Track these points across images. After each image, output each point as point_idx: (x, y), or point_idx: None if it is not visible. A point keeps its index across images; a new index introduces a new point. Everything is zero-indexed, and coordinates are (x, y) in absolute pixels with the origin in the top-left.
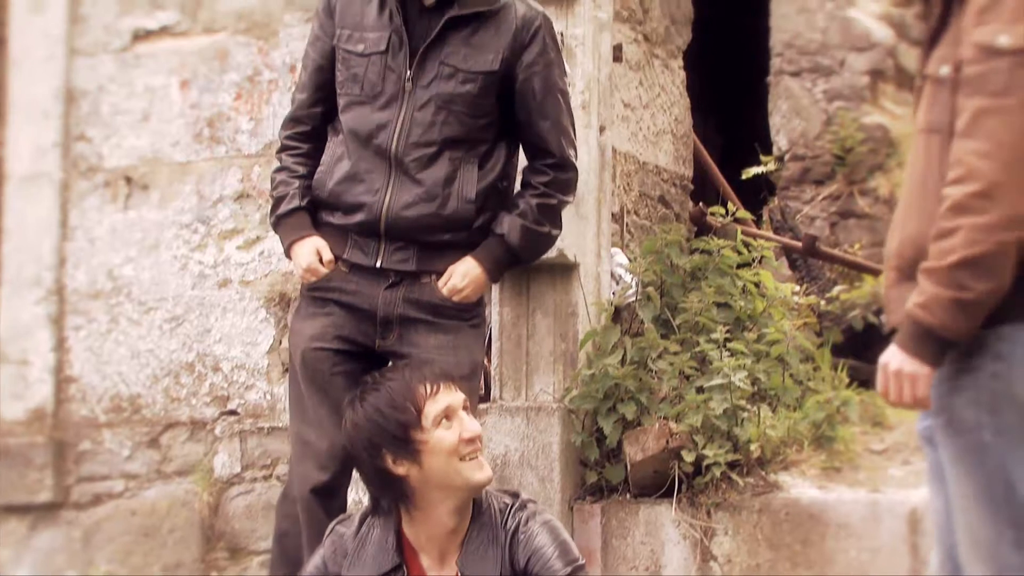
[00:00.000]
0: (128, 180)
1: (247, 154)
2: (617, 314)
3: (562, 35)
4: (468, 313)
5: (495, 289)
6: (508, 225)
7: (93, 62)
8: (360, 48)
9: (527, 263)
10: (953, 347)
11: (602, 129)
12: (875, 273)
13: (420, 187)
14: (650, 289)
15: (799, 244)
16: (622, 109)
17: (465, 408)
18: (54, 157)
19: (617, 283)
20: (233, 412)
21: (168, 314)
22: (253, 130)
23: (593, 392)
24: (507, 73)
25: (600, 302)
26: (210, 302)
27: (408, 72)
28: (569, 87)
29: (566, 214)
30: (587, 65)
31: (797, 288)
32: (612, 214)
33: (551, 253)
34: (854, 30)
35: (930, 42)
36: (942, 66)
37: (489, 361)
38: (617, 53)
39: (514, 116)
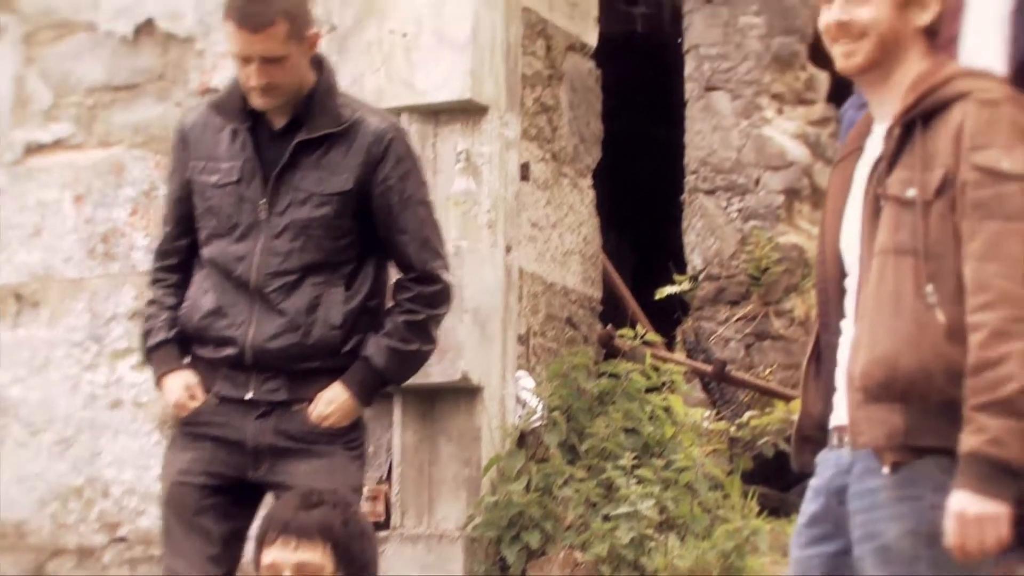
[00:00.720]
0: (18, 297)
1: (142, 271)
2: (522, 439)
3: (468, 153)
4: (342, 438)
5: (396, 412)
6: (373, 347)
7: None
8: (214, 179)
9: (399, 383)
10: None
11: (508, 249)
12: (786, 399)
13: (283, 317)
14: (556, 414)
15: (709, 368)
16: (529, 229)
17: (302, 570)
18: None
19: (522, 407)
20: (123, 539)
21: (57, 436)
22: (149, 246)
23: (497, 519)
24: (363, 190)
25: (505, 426)
26: (101, 424)
27: (263, 200)
28: (474, 206)
29: (470, 336)
30: (494, 184)
31: (707, 413)
32: (518, 336)
33: (454, 376)
34: (769, 149)
35: (889, 164)
36: (908, 188)
37: (390, 487)
38: (525, 172)
39: (376, 232)
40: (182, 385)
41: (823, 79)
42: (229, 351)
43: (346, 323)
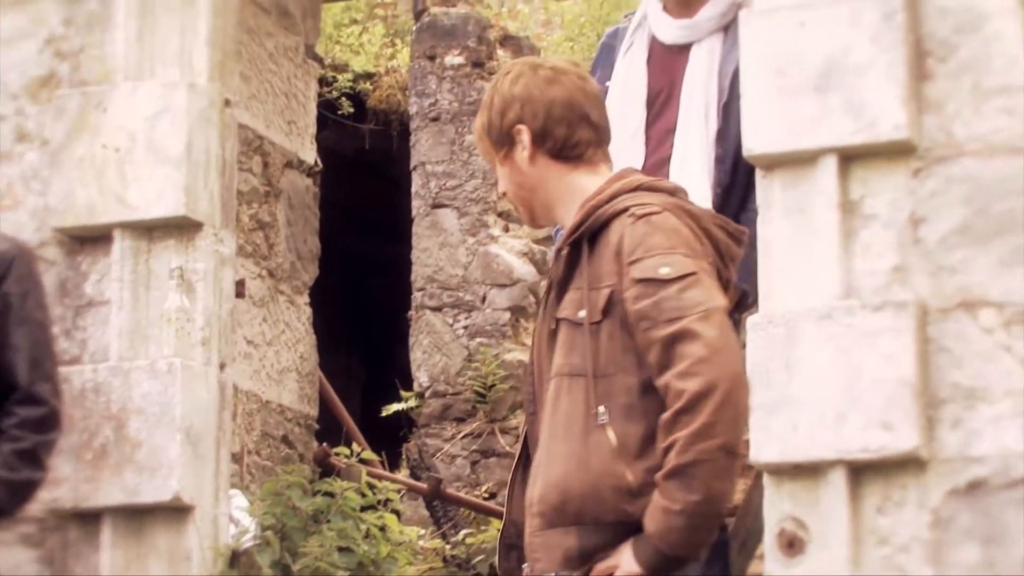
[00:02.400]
0: None
1: None
2: (234, 559)
3: (182, 269)
4: None
5: (105, 532)
6: None
7: None
8: None
9: (11, 515)
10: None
11: (223, 366)
12: (501, 516)
13: None
14: (269, 533)
15: (425, 486)
16: (245, 346)
17: None
18: None
19: (235, 526)
20: None
21: None
22: None
23: None
24: None
25: (217, 546)
26: None
27: None
28: (188, 323)
29: (184, 454)
30: (208, 300)
31: (423, 531)
32: (232, 454)
33: (165, 496)
34: (496, 266)
35: (560, 287)
36: (580, 310)
37: None
38: (240, 289)
39: None
40: None
41: None
42: None
43: None
